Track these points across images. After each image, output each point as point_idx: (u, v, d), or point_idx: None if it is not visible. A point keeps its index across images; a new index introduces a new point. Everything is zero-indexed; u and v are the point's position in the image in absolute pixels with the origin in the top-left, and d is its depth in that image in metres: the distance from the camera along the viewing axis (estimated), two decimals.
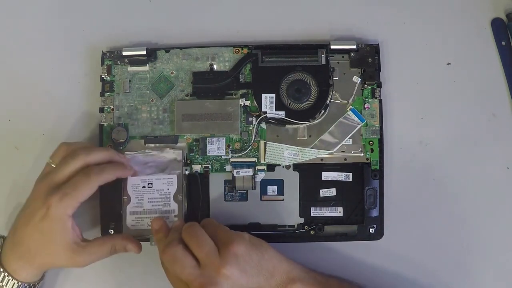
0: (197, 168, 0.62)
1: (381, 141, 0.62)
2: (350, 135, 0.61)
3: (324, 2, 0.65)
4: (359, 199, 0.61)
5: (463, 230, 0.62)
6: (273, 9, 0.65)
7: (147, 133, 0.62)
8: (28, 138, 0.64)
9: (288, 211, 0.61)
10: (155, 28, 0.65)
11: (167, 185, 0.60)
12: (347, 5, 0.65)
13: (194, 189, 0.62)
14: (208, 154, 0.62)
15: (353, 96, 0.62)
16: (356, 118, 0.62)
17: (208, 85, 0.62)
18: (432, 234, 0.62)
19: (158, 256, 0.63)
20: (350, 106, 0.62)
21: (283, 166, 0.62)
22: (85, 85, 0.65)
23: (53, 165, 0.58)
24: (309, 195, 0.61)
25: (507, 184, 0.62)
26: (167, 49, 0.63)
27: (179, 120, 0.62)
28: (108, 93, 0.63)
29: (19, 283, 0.57)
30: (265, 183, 0.62)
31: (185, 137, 0.62)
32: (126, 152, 0.61)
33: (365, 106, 0.62)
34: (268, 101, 0.62)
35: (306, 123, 0.61)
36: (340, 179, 0.62)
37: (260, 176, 0.62)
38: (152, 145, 0.62)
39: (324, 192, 0.61)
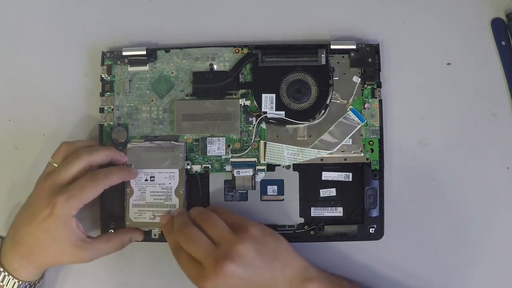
0: (197, 168, 0.62)
1: (381, 141, 0.62)
2: (350, 135, 0.61)
3: (324, 2, 0.65)
4: (359, 199, 0.61)
5: (463, 230, 0.62)
6: (273, 9, 0.65)
7: (147, 133, 0.62)
8: (28, 138, 0.64)
9: (288, 211, 0.61)
10: (155, 28, 0.65)
11: (169, 179, 0.61)
12: (347, 5, 0.65)
13: (194, 189, 0.62)
14: (208, 154, 0.62)
15: (353, 96, 0.62)
16: (356, 118, 0.62)
17: (208, 85, 0.62)
18: (432, 234, 0.62)
19: (157, 256, 0.63)
20: (350, 106, 0.62)
21: (283, 166, 0.62)
22: (85, 85, 0.65)
23: (55, 165, 0.58)
24: (309, 195, 0.62)
25: (507, 184, 0.62)
26: (167, 49, 0.63)
27: (179, 120, 0.62)
28: (108, 93, 0.63)
29: (20, 282, 0.57)
30: (265, 183, 0.62)
31: (185, 137, 0.62)
32: (128, 144, 0.62)
33: (365, 106, 0.62)
34: (268, 101, 0.62)
35: (306, 123, 0.61)
36: (340, 179, 0.62)
37: (260, 176, 0.62)
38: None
39: (324, 192, 0.61)
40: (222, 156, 0.62)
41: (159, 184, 0.61)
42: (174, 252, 0.57)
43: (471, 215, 0.62)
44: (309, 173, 0.62)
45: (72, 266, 0.63)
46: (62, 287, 0.63)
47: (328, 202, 0.61)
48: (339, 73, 0.62)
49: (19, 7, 0.66)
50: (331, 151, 0.61)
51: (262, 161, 0.62)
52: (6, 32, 0.66)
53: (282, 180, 0.62)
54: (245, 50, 0.63)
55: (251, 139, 0.62)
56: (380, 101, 0.62)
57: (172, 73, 0.63)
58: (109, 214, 0.62)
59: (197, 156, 0.62)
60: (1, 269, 0.56)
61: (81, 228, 0.57)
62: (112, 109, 0.63)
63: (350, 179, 0.62)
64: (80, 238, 0.57)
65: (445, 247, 0.62)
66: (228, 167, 0.62)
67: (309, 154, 0.61)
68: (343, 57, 0.62)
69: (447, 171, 0.63)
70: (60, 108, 0.65)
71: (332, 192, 0.61)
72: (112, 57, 0.64)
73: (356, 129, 0.61)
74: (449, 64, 0.64)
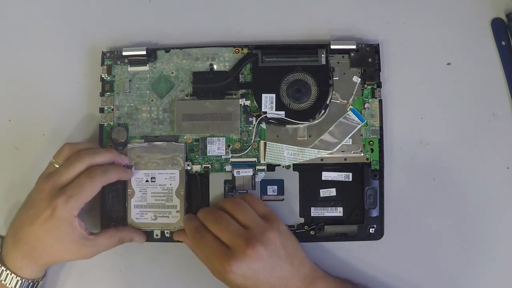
0: (197, 168, 0.62)
1: (381, 141, 0.62)
2: (350, 135, 0.61)
3: (324, 2, 0.65)
4: (359, 199, 0.61)
5: (463, 230, 0.62)
6: (273, 9, 0.65)
7: (147, 133, 0.62)
8: (28, 138, 0.64)
9: (288, 211, 0.61)
10: (155, 28, 0.65)
11: (170, 180, 0.61)
12: (347, 5, 0.65)
13: (194, 189, 0.62)
14: (208, 154, 0.62)
15: (353, 96, 0.62)
16: (356, 118, 0.62)
17: (208, 85, 0.62)
18: (432, 234, 0.62)
19: (157, 256, 0.63)
20: (350, 106, 0.62)
21: (283, 166, 0.62)
22: (85, 85, 0.65)
23: (56, 165, 0.58)
24: (309, 195, 0.61)
25: (507, 184, 0.62)
26: (167, 49, 0.63)
27: (179, 120, 0.62)
28: (108, 93, 0.63)
29: (23, 280, 0.57)
30: (265, 183, 0.62)
31: (185, 137, 0.62)
32: (129, 145, 0.62)
33: (365, 106, 0.62)
34: (268, 101, 0.62)
35: (306, 123, 0.61)
36: (340, 179, 0.62)
37: (260, 176, 0.62)
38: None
39: (324, 192, 0.61)
40: (222, 156, 0.62)
41: (160, 185, 0.61)
42: (194, 233, 0.57)
43: (471, 215, 0.62)
44: (309, 173, 0.62)
45: (72, 267, 0.63)
46: (62, 287, 0.63)
47: (328, 202, 0.61)
48: (339, 73, 0.62)
49: (19, 7, 0.66)
50: (331, 151, 0.61)
51: (262, 161, 0.62)
52: (6, 32, 0.66)
53: (282, 180, 0.62)
54: (245, 50, 0.63)
55: (251, 139, 0.62)
56: (380, 101, 0.62)
57: (172, 73, 0.63)
58: (109, 215, 0.62)
59: (197, 156, 0.62)
60: (4, 268, 0.56)
61: (83, 226, 0.58)
62: (112, 109, 0.63)
63: (350, 179, 0.61)
64: (82, 236, 0.57)
65: (445, 247, 0.62)
66: (228, 167, 0.62)
67: (309, 154, 0.61)
68: (343, 57, 0.62)
69: (447, 171, 0.63)
70: (60, 108, 0.65)
71: (332, 192, 0.61)
72: (112, 57, 0.64)
73: (356, 129, 0.61)
74: (449, 64, 0.64)
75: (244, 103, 0.62)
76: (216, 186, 0.62)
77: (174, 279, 0.63)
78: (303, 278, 0.57)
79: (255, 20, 0.65)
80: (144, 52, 0.63)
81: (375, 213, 0.61)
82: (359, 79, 0.62)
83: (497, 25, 0.64)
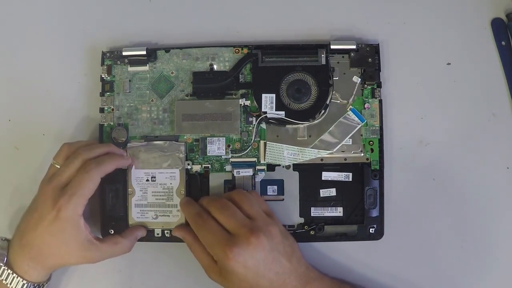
0: (197, 168, 0.62)
1: (381, 141, 0.62)
2: (350, 135, 0.61)
3: (324, 2, 0.65)
4: (359, 199, 0.61)
5: (463, 230, 0.62)
6: (273, 9, 0.65)
7: (147, 133, 0.62)
8: (28, 138, 0.64)
9: (288, 211, 0.61)
10: (155, 28, 0.65)
11: (170, 179, 0.61)
12: (347, 5, 0.65)
13: (194, 189, 0.62)
14: (208, 154, 0.62)
15: (353, 96, 0.62)
16: (356, 118, 0.62)
17: (208, 85, 0.62)
18: (432, 234, 0.62)
19: (157, 256, 0.63)
20: (350, 106, 0.62)
21: (283, 166, 0.62)
22: (85, 85, 0.65)
23: (57, 166, 0.58)
24: (309, 195, 0.62)
25: (507, 184, 0.62)
26: (167, 49, 0.63)
27: (179, 120, 0.62)
28: (108, 93, 0.63)
29: (28, 283, 0.57)
30: (265, 183, 0.62)
31: (185, 137, 0.62)
32: (129, 144, 0.62)
33: (365, 106, 0.62)
34: (268, 101, 0.62)
35: (306, 123, 0.61)
36: (340, 179, 0.62)
37: (260, 176, 0.62)
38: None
39: (324, 192, 0.61)
40: (222, 156, 0.62)
41: (160, 184, 0.61)
42: (196, 217, 0.57)
43: (471, 215, 0.62)
44: (309, 173, 0.62)
45: (73, 266, 0.63)
46: (63, 287, 0.63)
47: (328, 202, 0.61)
48: (339, 73, 0.62)
49: (19, 7, 0.66)
50: (331, 151, 0.61)
51: (262, 161, 0.62)
52: (6, 32, 0.66)
53: (282, 180, 0.62)
54: (245, 50, 0.63)
55: (251, 139, 0.62)
56: (380, 101, 0.62)
57: (172, 73, 0.63)
58: (109, 215, 0.62)
59: (197, 156, 0.62)
60: (10, 271, 0.56)
61: (88, 229, 0.58)
62: (112, 109, 0.63)
63: (350, 179, 0.62)
64: (87, 239, 0.57)
65: (445, 247, 0.62)
66: (228, 167, 0.62)
67: (309, 154, 0.61)
68: (343, 57, 0.62)
69: (447, 171, 0.63)
70: (60, 108, 0.65)
71: (332, 192, 0.61)
72: (112, 57, 0.64)
73: (356, 129, 0.61)
74: (449, 64, 0.64)
75: (244, 103, 0.62)
76: (216, 186, 0.62)
77: (174, 279, 0.63)
78: (299, 277, 0.57)
79: (255, 20, 0.65)
80: (144, 52, 0.63)
81: (375, 213, 0.61)
82: (359, 79, 0.62)
83: (497, 25, 0.64)
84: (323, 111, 0.61)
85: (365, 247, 0.62)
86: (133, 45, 0.65)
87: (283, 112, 0.61)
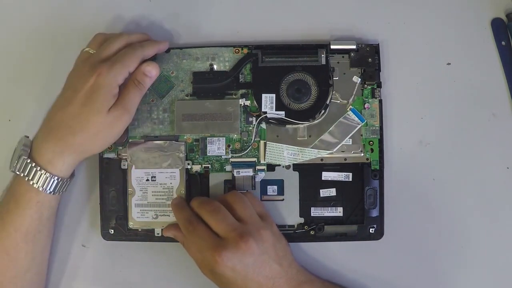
0: (197, 168, 0.62)
1: (381, 141, 0.62)
2: (350, 135, 0.61)
3: (324, 2, 0.65)
4: (359, 199, 0.61)
5: (462, 230, 0.62)
6: (273, 9, 0.65)
7: (147, 133, 0.62)
8: None
9: (288, 211, 0.61)
10: (155, 28, 0.65)
11: (170, 179, 0.61)
12: (347, 5, 0.65)
13: (194, 189, 0.62)
14: (208, 154, 0.62)
15: (353, 96, 0.62)
16: (356, 118, 0.62)
17: (208, 85, 0.62)
18: (432, 234, 0.62)
19: (157, 256, 0.63)
20: (350, 106, 0.62)
21: (283, 166, 0.62)
22: None
23: (91, 52, 0.59)
24: (309, 195, 0.62)
25: (507, 184, 0.62)
26: (167, 49, 0.63)
27: (179, 120, 0.62)
28: None
29: (51, 176, 0.56)
30: (265, 183, 0.62)
31: (185, 137, 0.62)
32: (129, 144, 0.62)
33: (365, 106, 0.62)
34: (268, 101, 0.62)
35: (306, 123, 0.61)
36: (340, 179, 0.62)
37: (260, 176, 0.62)
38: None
39: (324, 192, 0.61)
40: (222, 156, 0.62)
41: (160, 184, 0.61)
42: (187, 224, 0.57)
43: (471, 215, 0.62)
44: (309, 173, 0.62)
45: (73, 266, 0.63)
46: (63, 287, 0.63)
47: (328, 202, 0.61)
48: (339, 73, 0.62)
49: (19, 7, 0.66)
50: (331, 151, 0.61)
51: (262, 161, 0.62)
52: (6, 32, 0.66)
53: (282, 180, 0.62)
54: (245, 50, 0.63)
55: (251, 139, 0.62)
56: (380, 101, 0.62)
57: (172, 73, 0.63)
58: (109, 214, 0.62)
59: (197, 156, 0.62)
60: (33, 164, 0.56)
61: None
62: None
63: (350, 179, 0.62)
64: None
65: (445, 247, 0.62)
66: (228, 167, 0.62)
67: (309, 154, 0.61)
68: (343, 57, 0.62)
69: (447, 171, 0.63)
70: None
71: (332, 192, 0.61)
72: None
73: (356, 129, 0.61)
74: (449, 64, 0.64)
75: (244, 103, 0.62)
76: (216, 186, 0.62)
77: (174, 279, 0.63)
78: (289, 280, 0.57)
79: (255, 20, 0.65)
80: None
81: (375, 213, 0.61)
82: (359, 79, 0.62)
83: (497, 25, 0.64)
84: (323, 111, 0.61)
85: (365, 247, 0.62)
86: None
87: (283, 112, 0.61)
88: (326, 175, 0.62)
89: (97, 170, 0.62)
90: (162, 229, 0.61)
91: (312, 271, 0.61)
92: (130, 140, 0.62)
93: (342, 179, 0.62)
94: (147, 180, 0.61)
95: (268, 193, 0.62)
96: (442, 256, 0.62)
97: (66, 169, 0.57)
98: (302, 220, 0.61)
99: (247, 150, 0.62)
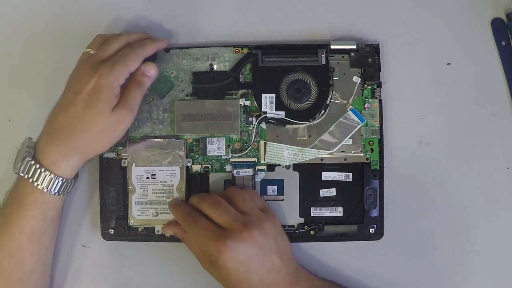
0: (197, 168, 0.62)
1: (381, 141, 0.62)
2: (350, 135, 0.61)
3: (324, 2, 0.65)
4: (359, 199, 0.61)
5: (463, 230, 0.62)
6: (273, 9, 0.65)
7: (147, 133, 0.62)
8: None
9: (288, 211, 0.61)
10: (155, 28, 0.65)
11: (170, 176, 0.61)
12: (347, 5, 0.65)
13: (194, 189, 0.62)
14: (208, 154, 0.62)
15: (353, 96, 0.62)
16: (356, 118, 0.62)
17: (208, 85, 0.63)
18: (432, 234, 0.62)
19: (157, 256, 0.63)
20: (350, 106, 0.62)
21: (283, 166, 0.62)
22: None
23: (92, 52, 0.59)
24: (309, 195, 0.62)
25: (507, 184, 0.62)
26: (167, 49, 0.63)
27: (179, 120, 0.62)
28: None
29: (56, 177, 0.56)
30: (265, 183, 0.62)
31: (185, 137, 0.62)
32: (128, 142, 0.62)
33: (365, 106, 0.62)
34: (268, 101, 0.62)
35: (306, 123, 0.61)
36: (340, 179, 0.62)
37: (260, 176, 0.62)
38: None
39: (324, 192, 0.61)
40: (222, 156, 0.62)
41: (160, 181, 0.61)
42: (187, 217, 0.57)
43: (471, 215, 0.62)
44: (309, 173, 0.62)
45: (73, 266, 0.63)
46: (63, 287, 0.63)
47: (328, 202, 0.62)
48: (339, 73, 0.62)
49: (19, 7, 0.66)
50: (331, 151, 0.61)
51: (262, 161, 0.62)
52: (6, 32, 0.66)
53: (282, 180, 0.62)
54: (245, 50, 0.63)
55: (251, 139, 0.62)
56: (380, 101, 0.62)
57: (172, 73, 0.63)
58: (109, 214, 0.62)
59: (197, 156, 0.62)
60: (37, 166, 0.56)
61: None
62: None
63: (350, 179, 0.62)
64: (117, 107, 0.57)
65: (445, 247, 0.62)
66: (228, 167, 0.62)
67: (309, 154, 0.61)
68: (343, 57, 0.62)
69: (447, 171, 0.63)
70: None
71: (332, 192, 0.61)
72: None
73: (356, 129, 0.62)
74: (449, 64, 0.64)
75: (244, 103, 0.62)
76: (216, 186, 0.62)
77: (174, 279, 0.63)
78: (289, 276, 0.57)
79: (255, 20, 0.65)
80: None
81: (375, 213, 0.61)
82: (359, 79, 0.62)
83: (497, 25, 0.64)
84: (323, 111, 0.61)
85: (365, 247, 0.62)
86: None
87: (283, 112, 0.61)
88: (326, 175, 0.62)
89: (97, 170, 0.62)
90: (161, 227, 0.61)
91: (312, 270, 0.62)
92: (130, 141, 0.62)
93: (342, 179, 0.62)
94: (147, 178, 0.61)
95: (268, 193, 0.62)
96: (442, 256, 0.62)
97: (70, 170, 0.58)
98: (302, 220, 0.62)
99: (247, 150, 0.62)
